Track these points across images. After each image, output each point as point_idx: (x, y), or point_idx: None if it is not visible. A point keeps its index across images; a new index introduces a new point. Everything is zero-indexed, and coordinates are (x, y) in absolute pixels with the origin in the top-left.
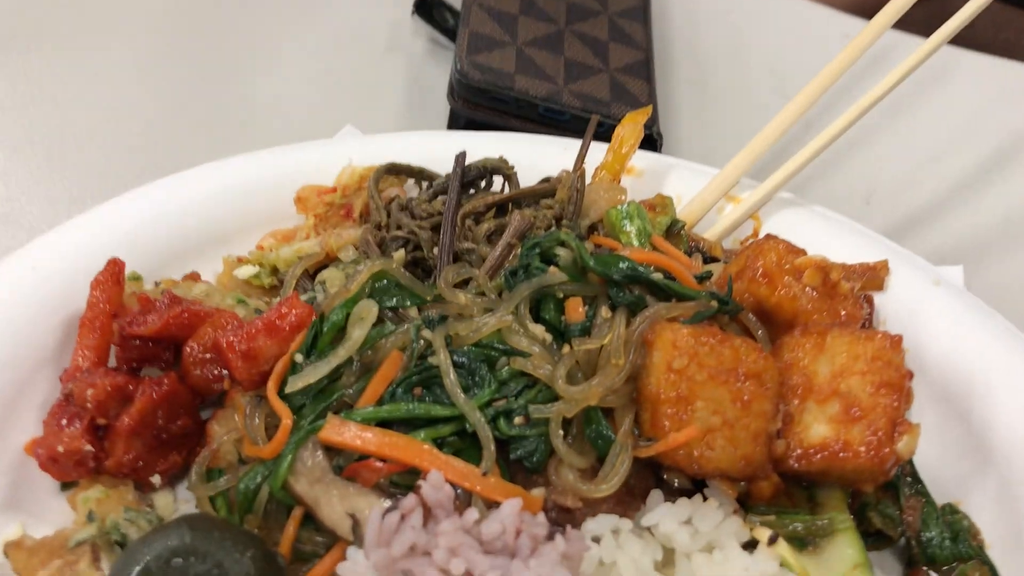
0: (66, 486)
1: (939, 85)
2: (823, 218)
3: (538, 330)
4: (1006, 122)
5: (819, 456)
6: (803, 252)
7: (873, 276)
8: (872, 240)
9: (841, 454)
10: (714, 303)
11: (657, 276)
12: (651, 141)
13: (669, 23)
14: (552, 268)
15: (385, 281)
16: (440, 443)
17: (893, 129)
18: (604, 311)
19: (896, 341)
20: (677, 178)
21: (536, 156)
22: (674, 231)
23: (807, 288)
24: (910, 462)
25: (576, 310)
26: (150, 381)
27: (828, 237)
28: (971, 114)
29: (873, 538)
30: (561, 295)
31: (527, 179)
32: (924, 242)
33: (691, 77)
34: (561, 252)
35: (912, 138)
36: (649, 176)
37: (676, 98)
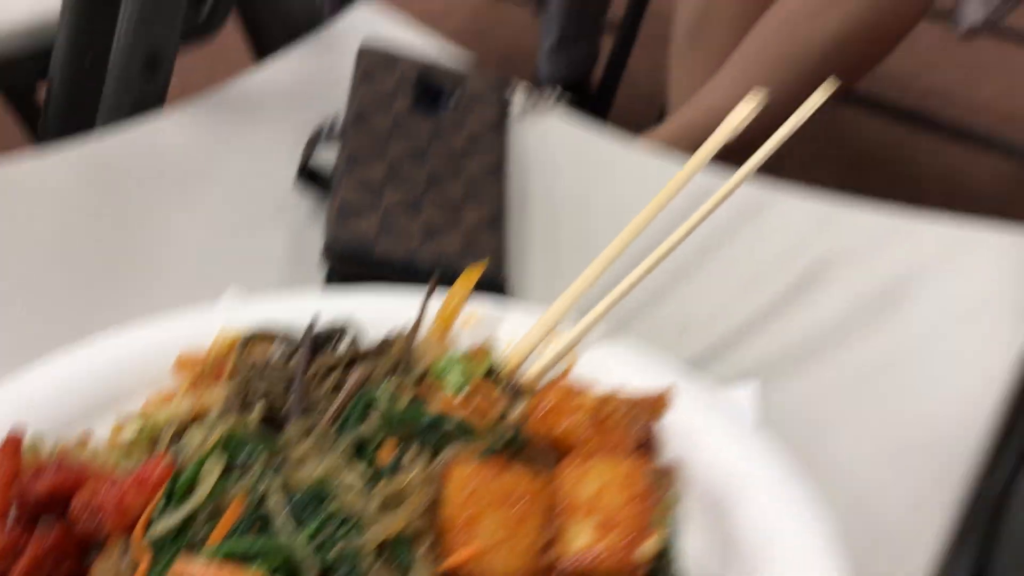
0: None
1: (753, 220)
2: (629, 351)
3: (359, 470)
4: (810, 251)
5: (578, 562)
6: (583, 391)
7: (653, 405)
8: (669, 368)
9: (593, 559)
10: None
11: (455, 421)
12: (499, 286)
13: (527, 175)
14: (370, 418)
15: (239, 436)
16: (275, 571)
17: (708, 264)
18: (413, 451)
19: (643, 460)
20: (513, 321)
21: (393, 311)
22: (492, 375)
23: (581, 424)
24: (672, 562)
25: (388, 453)
26: (39, 534)
27: (629, 369)
28: (780, 247)
29: None
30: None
31: (385, 331)
32: (730, 365)
33: (545, 223)
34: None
35: (726, 272)
36: (487, 322)
37: (532, 244)
